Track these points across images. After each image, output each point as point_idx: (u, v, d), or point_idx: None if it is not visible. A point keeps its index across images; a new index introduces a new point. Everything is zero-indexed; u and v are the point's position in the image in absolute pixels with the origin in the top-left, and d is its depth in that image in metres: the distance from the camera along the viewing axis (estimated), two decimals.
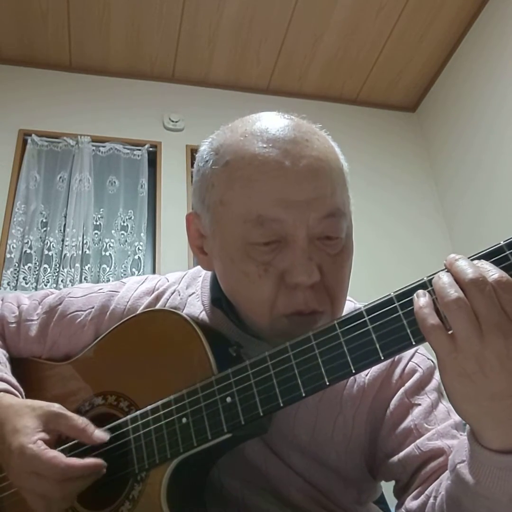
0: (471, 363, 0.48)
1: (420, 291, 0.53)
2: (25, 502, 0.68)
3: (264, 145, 0.66)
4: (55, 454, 0.65)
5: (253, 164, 0.66)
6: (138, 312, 0.81)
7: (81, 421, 0.69)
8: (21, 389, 0.81)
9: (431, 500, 0.66)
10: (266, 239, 0.65)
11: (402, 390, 0.75)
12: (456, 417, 0.73)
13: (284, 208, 0.64)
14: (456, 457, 0.58)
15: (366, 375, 0.76)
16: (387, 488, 0.90)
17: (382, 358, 0.56)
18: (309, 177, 0.65)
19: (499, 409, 0.49)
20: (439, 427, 0.71)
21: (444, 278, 0.51)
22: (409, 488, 0.71)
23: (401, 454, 0.71)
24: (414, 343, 0.54)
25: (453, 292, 0.49)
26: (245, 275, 0.67)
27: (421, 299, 0.52)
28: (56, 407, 0.70)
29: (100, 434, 0.69)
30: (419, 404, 0.73)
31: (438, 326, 0.50)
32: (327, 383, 0.58)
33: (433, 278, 0.53)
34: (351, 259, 0.72)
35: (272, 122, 0.69)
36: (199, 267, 0.89)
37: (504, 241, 0.52)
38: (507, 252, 0.51)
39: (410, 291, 0.56)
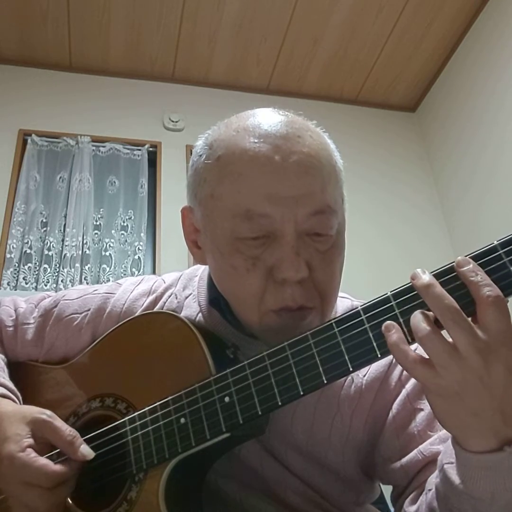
0: (453, 385, 0.50)
1: (389, 324, 0.54)
2: (13, 509, 0.67)
3: (255, 140, 0.66)
4: (45, 462, 0.64)
5: (244, 159, 0.66)
6: (136, 314, 0.81)
7: (68, 432, 0.68)
8: (19, 394, 0.80)
9: (422, 496, 0.67)
10: (254, 234, 0.65)
11: (404, 393, 0.74)
12: None
13: (272, 204, 0.64)
14: (444, 457, 0.59)
15: (364, 376, 0.76)
16: (386, 488, 0.89)
17: (379, 356, 0.56)
18: (299, 173, 0.65)
19: (480, 422, 0.51)
20: (440, 433, 0.71)
21: (417, 316, 0.52)
22: (407, 490, 0.71)
23: (404, 460, 0.71)
24: (410, 341, 0.54)
25: (424, 326, 0.51)
26: (234, 269, 0.67)
27: (393, 336, 0.53)
28: (45, 415, 0.69)
29: (86, 451, 0.67)
30: (422, 409, 0.73)
31: (418, 360, 0.51)
32: (325, 382, 0.58)
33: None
34: (342, 256, 0.71)
35: (265, 118, 0.69)
36: (194, 267, 0.89)
37: (497, 241, 0.52)
38: (501, 251, 0.51)
39: (407, 290, 0.56)
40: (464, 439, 0.53)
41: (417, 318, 0.52)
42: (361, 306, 0.58)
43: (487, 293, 0.50)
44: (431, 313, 0.52)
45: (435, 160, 3.50)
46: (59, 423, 0.68)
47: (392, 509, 0.95)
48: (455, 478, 0.56)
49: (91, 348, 0.82)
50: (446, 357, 0.49)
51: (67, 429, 0.68)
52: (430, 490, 0.64)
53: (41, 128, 3.01)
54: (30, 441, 0.66)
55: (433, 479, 0.64)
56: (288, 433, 0.74)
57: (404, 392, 0.74)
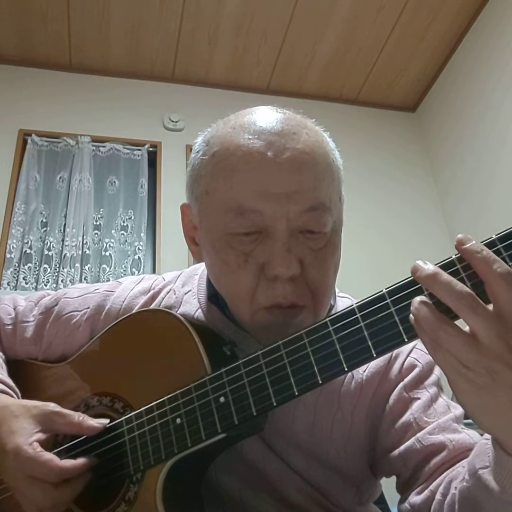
0: (481, 376, 0.46)
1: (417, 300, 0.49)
2: (19, 505, 0.67)
3: (250, 137, 0.66)
4: (50, 457, 0.65)
5: (237, 154, 0.66)
6: (133, 311, 0.81)
7: (77, 416, 0.69)
8: (17, 390, 0.80)
9: (438, 496, 0.64)
10: (246, 230, 0.65)
11: (401, 384, 0.74)
12: (456, 411, 0.72)
13: (264, 200, 0.64)
14: (476, 461, 0.55)
15: (364, 372, 0.76)
16: (387, 488, 0.89)
17: (375, 355, 0.55)
18: (291, 169, 0.65)
19: None
20: (440, 421, 0.70)
21: (422, 309, 0.47)
22: (414, 484, 0.70)
23: (402, 448, 0.71)
24: (406, 340, 0.53)
25: (434, 319, 0.47)
26: (226, 264, 0.67)
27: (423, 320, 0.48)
28: (51, 406, 0.70)
29: (97, 424, 0.69)
30: (418, 398, 0.73)
31: (441, 353, 0.47)
32: (320, 382, 0.57)
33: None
34: (336, 255, 0.70)
35: (262, 115, 0.69)
36: (195, 266, 0.90)
37: (496, 235, 0.51)
38: (499, 246, 0.50)
39: (402, 287, 0.55)
40: (505, 440, 0.49)
41: (423, 312, 0.47)
42: (356, 304, 0.57)
43: (497, 270, 0.45)
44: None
45: (435, 160, 3.50)
46: (66, 410, 0.70)
47: (392, 509, 0.95)
48: (494, 485, 0.52)
49: (88, 346, 0.82)
50: (467, 348, 0.45)
51: (75, 414, 0.69)
52: (446, 495, 0.62)
53: (41, 128, 3.02)
54: (37, 435, 0.67)
55: (454, 483, 0.62)
56: (289, 431, 0.74)
57: (401, 384, 0.74)
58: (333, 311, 0.78)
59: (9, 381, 0.81)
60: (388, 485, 0.86)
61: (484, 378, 0.45)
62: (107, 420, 0.70)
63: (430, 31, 3.18)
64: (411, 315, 0.49)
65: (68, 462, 0.66)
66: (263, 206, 0.64)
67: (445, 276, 0.47)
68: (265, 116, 0.69)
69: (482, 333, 0.45)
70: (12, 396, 0.78)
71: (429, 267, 0.49)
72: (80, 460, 0.67)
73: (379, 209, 3.25)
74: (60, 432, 0.71)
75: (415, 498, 0.68)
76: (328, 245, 0.68)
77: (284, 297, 0.65)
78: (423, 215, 3.34)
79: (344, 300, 0.84)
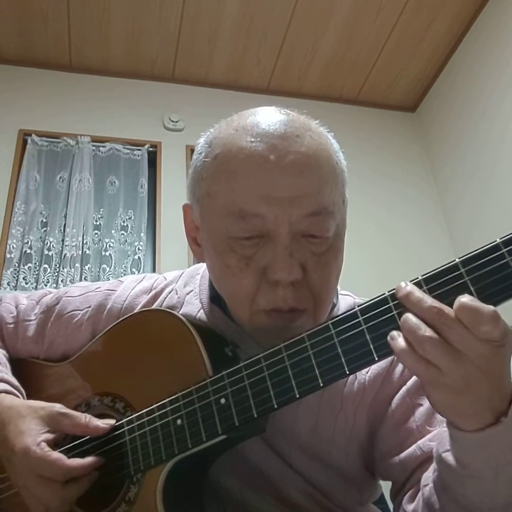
0: (458, 381, 0.49)
1: (394, 333, 0.53)
2: (24, 504, 0.68)
3: (252, 139, 0.65)
4: (58, 456, 0.66)
5: (239, 157, 0.65)
6: (134, 311, 0.81)
7: (83, 417, 0.70)
8: (22, 390, 0.81)
9: (418, 494, 0.66)
10: (248, 234, 0.65)
11: (404, 389, 0.74)
12: None
13: (266, 204, 0.63)
14: (439, 448, 0.58)
15: (367, 373, 0.75)
16: (387, 488, 0.90)
17: (377, 359, 0.55)
18: (294, 173, 0.64)
19: (480, 407, 0.50)
20: (440, 429, 0.70)
21: (411, 320, 0.51)
22: (405, 486, 0.71)
23: (402, 455, 0.70)
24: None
25: (422, 332, 0.50)
26: (227, 267, 0.67)
27: (398, 342, 0.52)
28: (58, 407, 0.71)
29: (103, 425, 0.70)
30: (421, 404, 0.72)
31: (423, 363, 0.50)
32: (321, 385, 0.58)
33: (427, 276, 0.53)
34: (339, 259, 0.70)
35: (265, 116, 0.68)
36: (197, 265, 0.90)
37: (500, 239, 0.50)
38: (504, 250, 0.50)
39: None
40: (462, 423, 0.52)
41: (411, 324, 0.51)
42: (358, 307, 0.57)
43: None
44: None
45: (435, 160, 3.50)
46: (73, 411, 0.71)
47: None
48: (454, 463, 0.55)
49: (89, 345, 0.82)
50: (448, 357, 0.49)
51: (81, 415, 0.71)
52: (426, 486, 0.64)
53: (41, 128, 3.01)
54: (45, 435, 0.68)
55: (429, 475, 0.64)
56: (291, 432, 0.73)
57: (404, 388, 0.74)
58: (335, 310, 0.79)
59: (14, 381, 0.81)
60: (388, 485, 0.86)
61: (459, 383, 0.49)
62: (113, 421, 0.71)
63: (430, 32, 3.17)
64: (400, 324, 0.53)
65: (75, 461, 0.67)
66: (265, 210, 0.63)
67: (415, 295, 0.52)
68: (268, 118, 0.68)
69: (457, 343, 0.49)
70: (17, 396, 0.78)
71: (405, 287, 0.53)
72: (87, 459, 0.68)
73: (379, 208, 3.26)
74: (67, 433, 0.72)
75: (408, 506, 0.68)
76: (330, 250, 0.67)
77: (284, 301, 0.64)
78: (423, 213, 3.35)
79: (346, 298, 0.83)
